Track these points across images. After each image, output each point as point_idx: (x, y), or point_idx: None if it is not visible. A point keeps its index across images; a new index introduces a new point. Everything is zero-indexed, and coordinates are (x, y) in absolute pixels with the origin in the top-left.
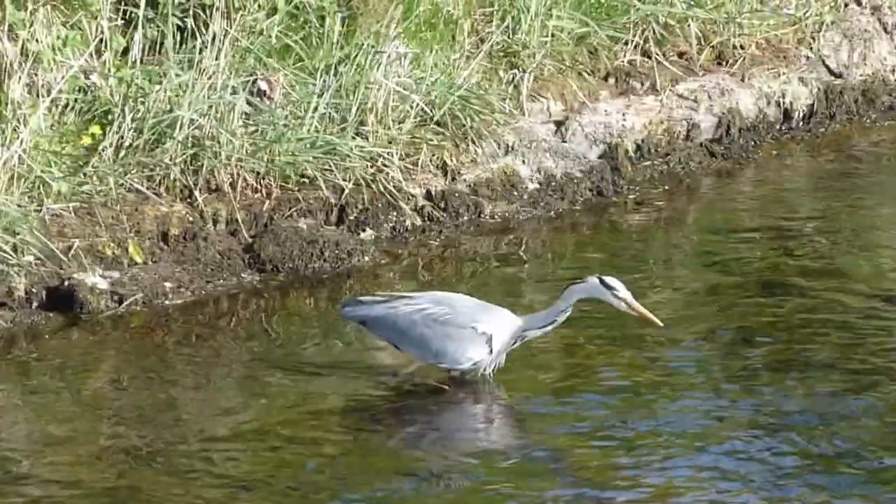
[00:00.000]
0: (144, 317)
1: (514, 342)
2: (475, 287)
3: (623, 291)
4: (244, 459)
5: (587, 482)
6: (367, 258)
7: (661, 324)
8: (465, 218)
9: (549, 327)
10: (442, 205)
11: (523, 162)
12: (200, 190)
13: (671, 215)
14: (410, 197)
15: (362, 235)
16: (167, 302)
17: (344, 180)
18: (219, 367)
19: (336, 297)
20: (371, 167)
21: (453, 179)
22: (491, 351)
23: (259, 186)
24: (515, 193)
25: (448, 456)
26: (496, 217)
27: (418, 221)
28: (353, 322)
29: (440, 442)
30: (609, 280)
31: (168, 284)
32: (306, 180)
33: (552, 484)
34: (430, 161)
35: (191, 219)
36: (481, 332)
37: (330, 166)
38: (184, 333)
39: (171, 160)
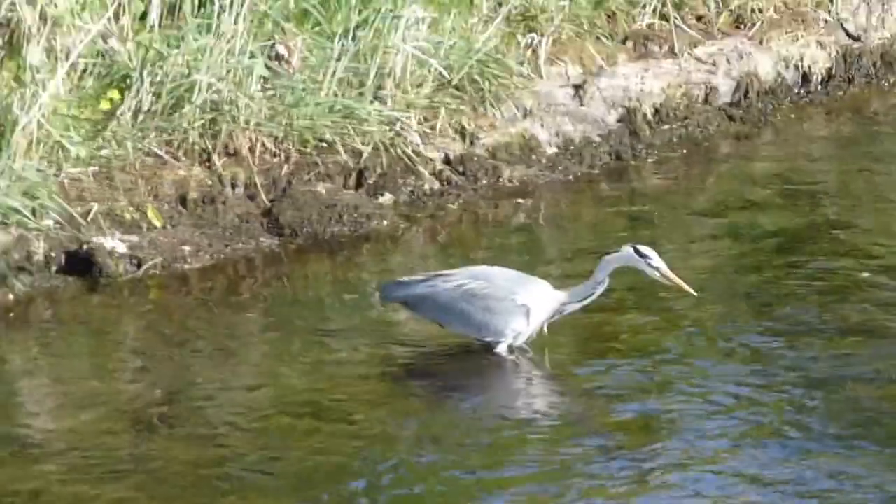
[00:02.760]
0: (163, 281)
1: (554, 315)
2: (494, 251)
3: (657, 261)
4: (263, 425)
5: (618, 444)
6: (385, 222)
7: (694, 293)
8: (484, 182)
9: (588, 300)
10: (460, 169)
11: (542, 126)
12: (219, 154)
13: (689, 179)
14: (429, 161)
15: (380, 199)
16: (186, 266)
17: (362, 144)
18: (237, 332)
19: (355, 260)
20: (389, 131)
21: (471, 143)
22: (529, 322)
23: (277, 151)
24: (534, 157)
25: (480, 419)
26: (514, 181)
27: (436, 185)
28: (394, 303)
29: (469, 405)
30: (643, 249)
31: (186, 248)
32: (324, 144)
33: (584, 446)
34: (449, 125)
35: (209, 183)
36: (520, 303)
37: (348, 130)
38: (202, 297)
39: (189, 124)
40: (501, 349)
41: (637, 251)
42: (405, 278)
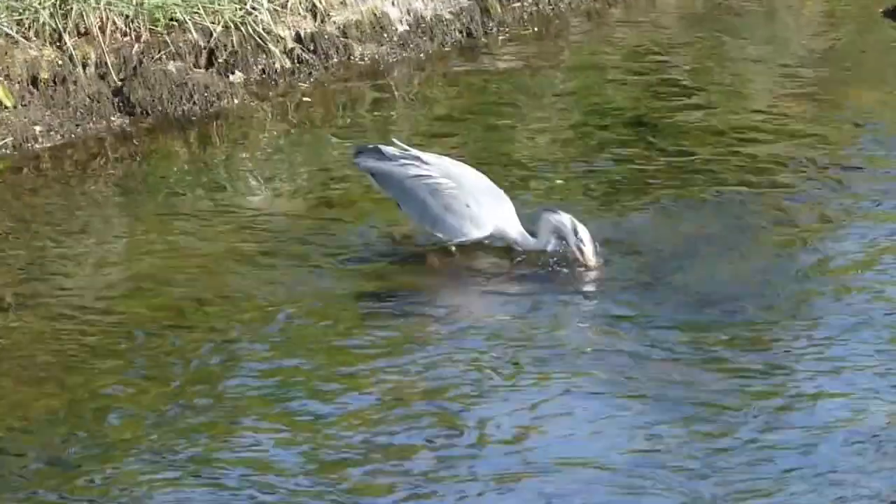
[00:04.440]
0: (14, 161)
1: (500, 241)
2: (347, 128)
3: (588, 245)
4: (115, 302)
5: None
6: (236, 101)
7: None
8: (335, 60)
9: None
10: (311, 47)
11: (393, 3)
12: (70, 34)
13: (541, 56)
14: (279, 39)
15: (231, 78)
16: (37, 146)
17: (213, 23)
18: (89, 210)
19: (205, 139)
20: (240, 10)
21: (322, 21)
22: (481, 233)
23: (128, 30)
24: (385, 35)
25: (314, 293)
26: (366, 59)
27: (287, 64)
28: (362, 169)
29: (311, 280)
30: (581, 230)
31: (38, 128)
32: (175, 23)
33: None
34: (300, 3)
35: (60, 63)
36: (480, 214)
37: (199, 9)
38: (55, 177)
39: (39, 4)
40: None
41: (575, 227)
42: (383, 148)
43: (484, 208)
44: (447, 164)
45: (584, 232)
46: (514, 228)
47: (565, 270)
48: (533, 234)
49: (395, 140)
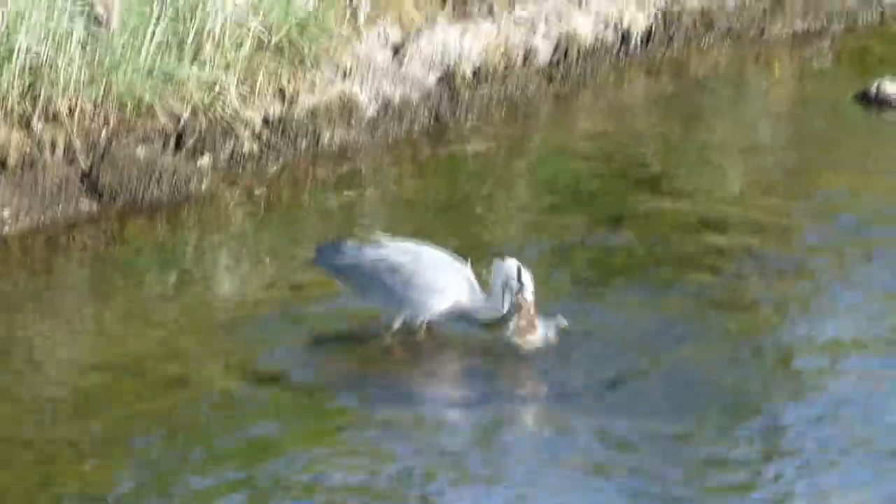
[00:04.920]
0: None
1: (459, 316)
2: (314, 213)
3: (529, 293)
4: (82, 384)
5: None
6: (204, 185)
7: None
8: (304, 144)
9: (488, 319)
10: (280, 131)
11: (361, 87)
12: (38, 118)
13: (509, 140)
14: (248, 123)
15: (199, 162)
16: (5, 230)
17: (181, 107)
18: (58, 296)
19: (174, 223)
20: (208, 94)
21: (291, 105)
22: (445, 304)
23: (97, 114)
24: (353, 119)
25: (290, 375)
26: (334, 143)
27: (256, 148)
28: (323, 269)
29: (282, 359)
30: (525, 277)
31: (6, 212)
32: (144, 108)
33: None
34: (268, 87)
35: (28, 147)
36: (441, 284)
37: (167, 93)
38: (22, 262)
39: (8, 88)
40: (422, 326)
41: (519, 271)
42: (340, 243)
43: (444, 276)
44: (405, 244)
45: (527, 277)
46: (472, 293)
47: (524, 362)
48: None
49: (354, 233)
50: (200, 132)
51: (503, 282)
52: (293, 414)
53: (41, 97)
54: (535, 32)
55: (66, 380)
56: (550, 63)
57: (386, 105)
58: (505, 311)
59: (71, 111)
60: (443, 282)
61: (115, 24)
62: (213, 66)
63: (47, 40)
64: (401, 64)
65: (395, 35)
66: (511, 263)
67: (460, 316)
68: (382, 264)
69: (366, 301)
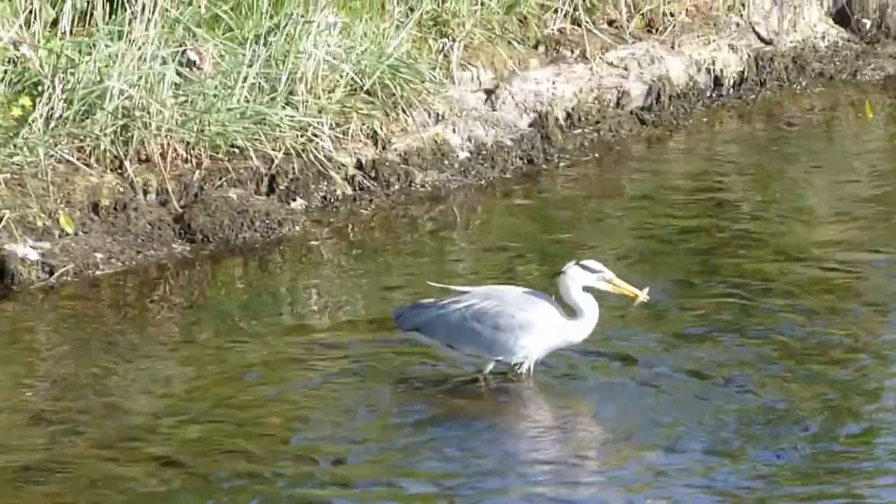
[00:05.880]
0: (75, 287)
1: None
2: (407, 256)
3: (607, 272)
4: (176, 433)
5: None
6: (297, 228)
7: (646, 297)
8: (396, 187)
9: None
10: (372, 174)
11: (454, 131)
12: (131, 160)
13: (602, 183)
14: (341, 166)
15: (293, 205)
16: (98, 273)
17: (274, 150)
18: (150, 338)
19: (267, 266)
20: (301, 137)
21: (384, 148)
22: (537, 340)
23: (189, 157)
24: (446, 162)
25: (398, 417)
26: (427, 186)
27: (349, 191)
28: (406, 331)
29: (385, 403)
30: (588, 263)
31: (99, 255)
32: (236, 150)
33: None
34: (361, 130)
35: (121, 189)
36: (528, 319)
37: (260, 136)
38: (115, 304)
39: (101, 131)
40: (523, 368)
41: (582, 266)
42: (420, 301)
43: (528, 313)
44: (486, 289)
45: (596, 265)
46: (562, 320)
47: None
48: (572, 313)
49: (442, 279)
50: (294, 175)
51: (581, 286)
52: (390, 461)
53: (134, 140)
54: (627, 76)
55: (158, 423)
56: (643, 106)
57: (479, 148)
58: (594, 320)
59: (163, 153)
60: (529, 317)
61: (207, 67)
62: (306, 109)
63: (140, 83)
64: (493, 107)
65: (487, 79)
66: (573, 267)
67: (558, 346)
68: (466, 312)
69: (457, 352)
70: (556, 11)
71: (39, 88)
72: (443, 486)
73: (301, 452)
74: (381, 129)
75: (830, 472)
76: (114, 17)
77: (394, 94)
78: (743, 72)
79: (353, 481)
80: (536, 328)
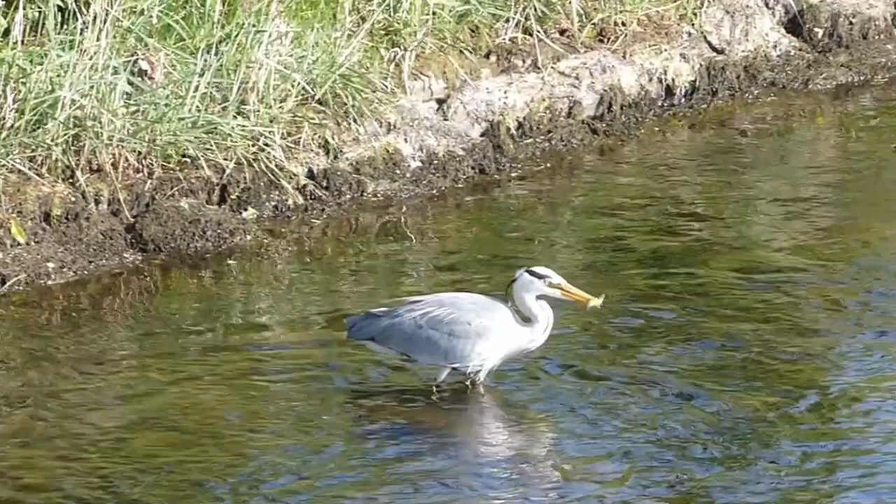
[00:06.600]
0: (27, 297)
1: (518, 352)
2: (359, 266)
3: (556, 278)
4: (130, 442)
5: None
6: (249, 237)
7: (598, 303)
8: (348, 196)
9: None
10: (324, 183)
11: (405, 140)
12: (82, 170)
13: (554, 193)
14: (292, 176)
15: (244, 214)
16: (50, 282)
17: (225, 160)
18: (102, 347)
19: (218, 276)
20: (253, 146)
21: (335, 158)
22: (494, 347)
23: (141, 166)
24: (398, 172)
25: (355, 428)
26: (379, 195)
27: (301, 200)
28: (360, 340)
29: (331, 414)
30: (538, 270)
31: (51, 265)
32: (188, 160)
33: None
34: (312, 140)
35: (73, 199)
36: (484, 326)
37: (211, 146)
38: (67, 313)
39: (52, 140)
40: (479, 376)
41: (532, 273)
42: (372, 311)
43: (484, 319)
44: (439, 296)
45: (547, 271)
46: (517, 326)
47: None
48: (527, 320)
49: (397, 285)
50: (245, 185)
51: (534, 295)
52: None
53: (85, 149)
54: (579, 85)
55: (108, 433)
56: (595, 116)
57: (430, 158)
58: (548, 326)
59: (115, 163)
60: (485, 323)
61: (158, 76)
62: (257, 119)
63: (91, 93)
64: (445, 117)
65: (439, 88)
66: (523, 275)
67: (514, 353)
68: (421, 320)
69: (411, 361)
70: (507, 21)
71: None
72: (398, 498)
73: (254, 465)
74: (333, 138)
75: (788, 479)
76: (66, 26)
77: (345, 104)
78: (695, 81)
79: (306, 494)
80: (493, 334)
